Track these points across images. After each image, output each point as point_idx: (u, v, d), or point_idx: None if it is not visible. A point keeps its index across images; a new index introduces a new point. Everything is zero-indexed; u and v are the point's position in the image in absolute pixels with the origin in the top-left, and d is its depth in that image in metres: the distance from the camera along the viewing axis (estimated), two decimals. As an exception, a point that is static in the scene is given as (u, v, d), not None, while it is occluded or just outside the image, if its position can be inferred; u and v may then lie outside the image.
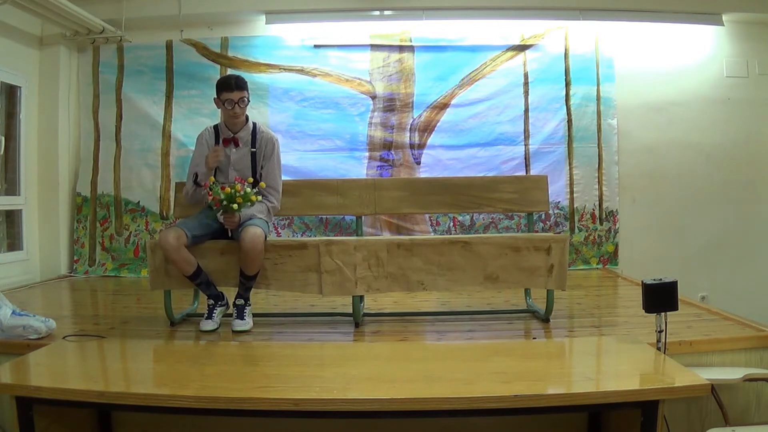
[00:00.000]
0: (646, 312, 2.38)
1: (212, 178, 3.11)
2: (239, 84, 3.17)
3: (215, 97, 3.21)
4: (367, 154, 5.37)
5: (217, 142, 3.24)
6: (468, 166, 5.29)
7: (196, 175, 3.18)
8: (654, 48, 5.43)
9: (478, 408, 1.98)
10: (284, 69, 5.35)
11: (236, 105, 3.15)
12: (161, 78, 5.37)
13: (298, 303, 3.86)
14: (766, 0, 5.23)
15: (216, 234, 3.18)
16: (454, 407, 1.96)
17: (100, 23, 5.00)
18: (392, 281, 3.11)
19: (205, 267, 3.09)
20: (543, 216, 5.27)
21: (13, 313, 2.85)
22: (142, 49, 5.38)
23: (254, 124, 3.30)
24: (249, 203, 3.04)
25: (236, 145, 3.23)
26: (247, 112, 3.29)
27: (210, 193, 3.03)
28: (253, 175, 3.24)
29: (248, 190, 3.03)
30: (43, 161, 5.14)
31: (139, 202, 5.36)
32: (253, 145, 3.25)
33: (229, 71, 5.30)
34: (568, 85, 5.38)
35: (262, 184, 3.19)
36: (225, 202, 2.98)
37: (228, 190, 2.98)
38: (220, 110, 3.25)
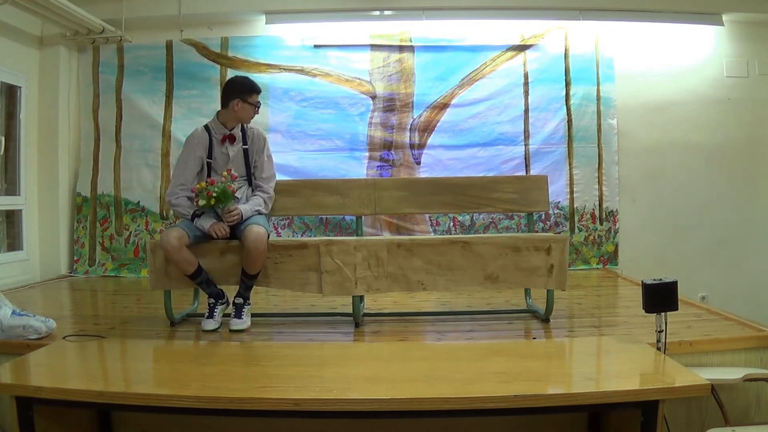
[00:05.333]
0: (646, 312, 2.38)
1: (202, 183, 3.09)
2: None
3: (237, 98, 3.18)
4: (367, 154, 5.37)
5: (210, 141, 3.23)
6: (468, 166, 5.29)
7: (194, 214, 3.15)
8: (654, 48, 5.44)
9: (478, 408, 1.98)
10: (284, 69, 5.35)
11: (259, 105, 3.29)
12: (161, 78, 5.37)
13: (298, 303, 3.85)
14: (766, 0, 5.23)
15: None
16: (454, 407, 1.97)
17: (100, 23, 5.00)
18: (392, 281, 3.11)
19: (206, 267, 3.10)
20: (543, 216, 5.27)
21: (13, 313, 2.85)
22: (142, 49, 5.38)
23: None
24: (232, 198, 3.08)
25: (232, 142, 3.25)
26: None
27: (197, 200, 3.07)
28: (247, 171, 3.29)
29: (222, 186, 3.05)
30: (43, 161, 5.14)
31: (139, 202, 5.36)
32: (245, 141, 3.28)
33: (229, 71, 5.31)
34: (568, 85, 5.38)
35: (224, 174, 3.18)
36: (213, 200, 3.02)
37: (203, 184, 3.05)
38: (226, 109, 3.23)
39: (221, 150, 3.24)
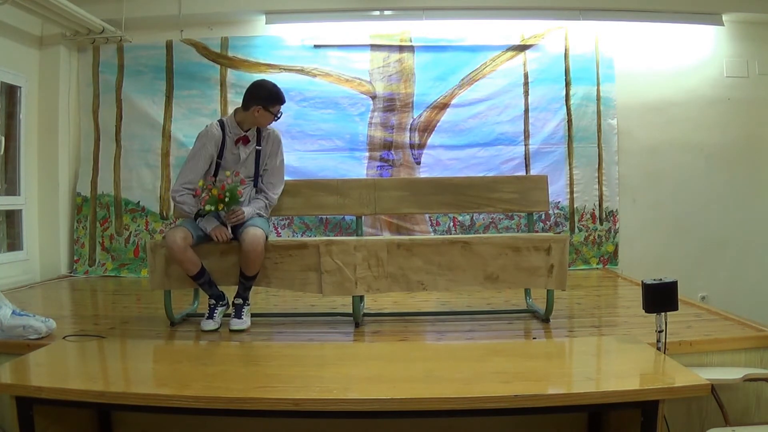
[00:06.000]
0: (646, 312, 2.38)
1: (215, 191, 3.02)
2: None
3: (259, 105, 3.11)
4: (367, 154, 5.37)
5: (224, 140, 3.16)
6: (468, 166, 5.29)
7: (197, 214, 3.12)
8: (654, 48, 5.44)
9: (478, 408, 1.98)
10: (284, 69, 5.34)
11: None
12: (161, 78, 5.36)
13: (298, 303, 3.85)
14: (766, 0, 5.23)
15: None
16: (454, 407, 1.96)
17: (100, 23, 4.99)
18: (392, 281, 3.11)
19: (207, 267, 3.09)
20: (543, 216, 5.27)
21: (13, 313, 2.85)
22: (142, 49, 5.37)
23: None
24: (239, 199, 3.05)
25: (245, 143, 3.21)
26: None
27: (203, 201, 3.03)
28: (256, 172, 3.26)
29: (232, 188, 3.02)
30: (43, 161, 5.14)
31: (139, 202, 5.36)
32: (258, 142, 3.24)
33: (230, 71, 5.32)
34: (568, 85, 5.38)
35: (227, 173, 3.13)
36: (222, 205, 2.99)
37: (215, 191, 2.98)
38: (245, 111, 3.15)
39: (233, 150, 3.19)
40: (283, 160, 3.34)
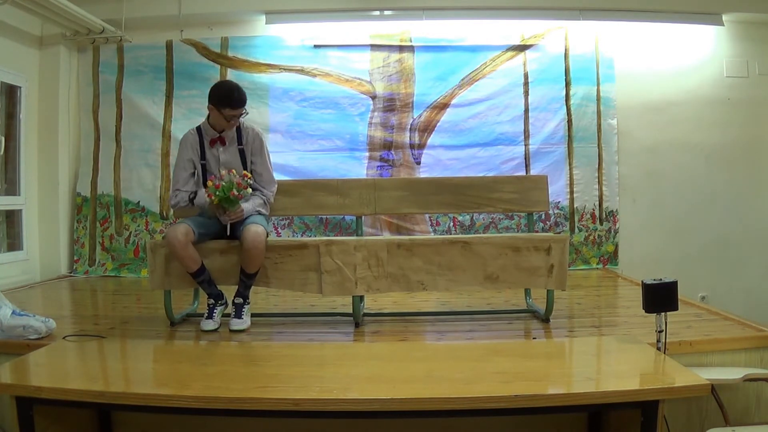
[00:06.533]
0: (646, 312, 2.38)
1: (224, 171, 3.10)
2: (243, 101, 3.12)
3: (211, 104, 3.10)
4: (367, 154, 5.37)
5: (201, 143, 3.20)
6: (468, 166, 5.29)
7: (193, 196, 3.17)
8: (654, 48, 5.44)
9: (478, 408, 1.98)
10: (284, 69, 5.35)
11: (236, 119, 3.15)
12: (161, 78, 5.36)
13: (298, 303, 3.86)
14: (766, 0, 5.23)
15: (217, 234, 3.19)
16: (454, 407, 1.97)
17: (100, 23, 5.00)
18: (392, 281, 3.11)
19: (207, 266, 3.09)
20: (543, 216, 5.27)
21: (13, 313, 2.85)
22: (142, 49, 5.38)
23: None
24: (245, 192, 3.07)
25: (222, 144, 3.21)
26: None
27: (209, 193, 3.05)
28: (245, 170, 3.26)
29: (244, 181, 3.07)
30: (43, 161, 5.14)
31: (139, 202, 5.36)
32: (240, 142, 3.24)
33: (230, 71, 5.31)
34: (568, 85, 5.38)
35: (247, 174, 3.17)
36: (222, 200, 3.02)
37: (210, 183, 3.03)
38: (210, 113, 3.17)
39: (213, 152, 3.21)
40: (268, 158, 3.31)
